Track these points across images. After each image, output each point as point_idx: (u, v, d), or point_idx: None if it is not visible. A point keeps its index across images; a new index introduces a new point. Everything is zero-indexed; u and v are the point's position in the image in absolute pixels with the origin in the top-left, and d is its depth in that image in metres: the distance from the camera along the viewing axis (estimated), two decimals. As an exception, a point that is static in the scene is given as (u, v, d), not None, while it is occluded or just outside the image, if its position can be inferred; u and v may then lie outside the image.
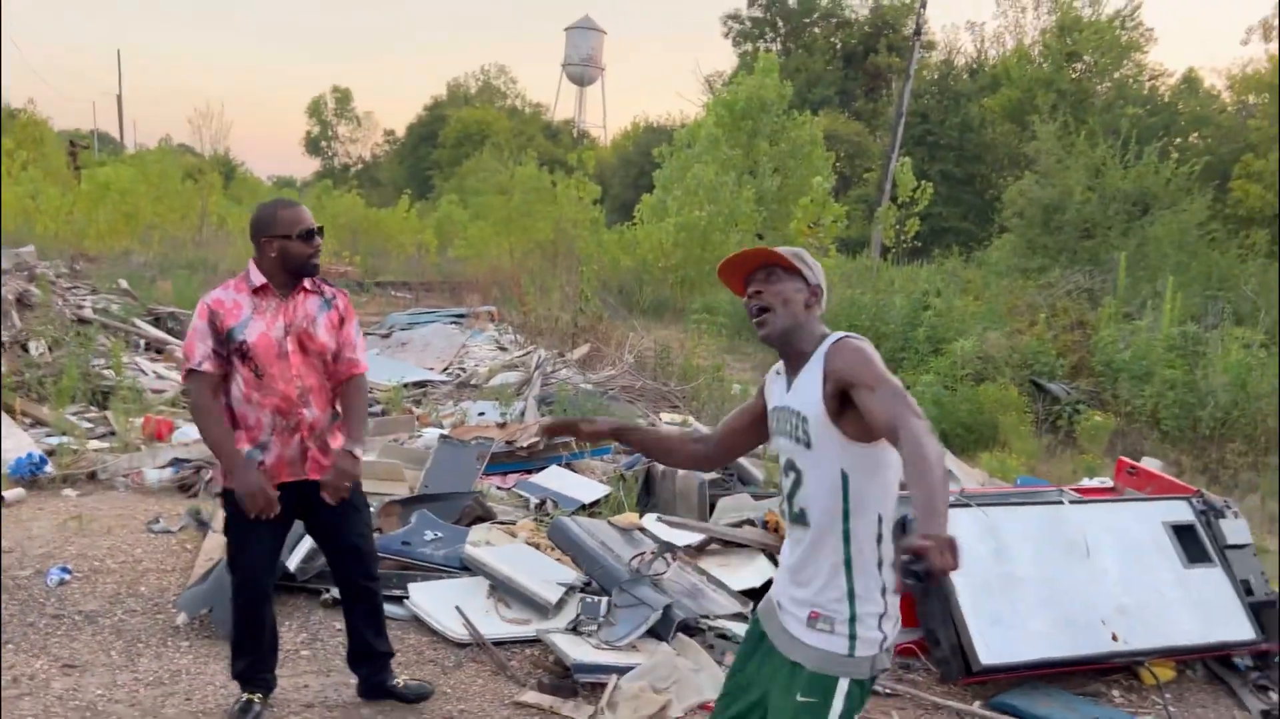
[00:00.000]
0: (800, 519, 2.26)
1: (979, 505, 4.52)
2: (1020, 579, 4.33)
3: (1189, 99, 36.32)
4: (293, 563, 4.59)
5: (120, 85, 71.74)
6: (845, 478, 2.16)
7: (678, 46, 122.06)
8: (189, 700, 3.71)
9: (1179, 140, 21.93)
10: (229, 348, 3.21)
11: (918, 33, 27.27)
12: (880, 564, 2.18)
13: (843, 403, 2.13)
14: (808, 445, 2.19)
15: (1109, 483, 7.79)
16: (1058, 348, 11.20)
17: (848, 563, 2.17)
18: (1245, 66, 37.15)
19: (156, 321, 11.31)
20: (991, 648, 4.10)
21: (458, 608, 4.40)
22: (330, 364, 3.39)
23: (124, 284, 13.00)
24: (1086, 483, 7.51)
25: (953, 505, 4.52)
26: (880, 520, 2.19)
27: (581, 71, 66.02)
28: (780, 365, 2.39)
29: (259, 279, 3.27)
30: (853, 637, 2.15)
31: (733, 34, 47.81)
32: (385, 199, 46.95)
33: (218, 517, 5.67)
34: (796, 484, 2.26)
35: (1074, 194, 17.09)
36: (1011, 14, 40.81)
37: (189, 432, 7.49)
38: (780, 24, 47.33)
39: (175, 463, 6.66)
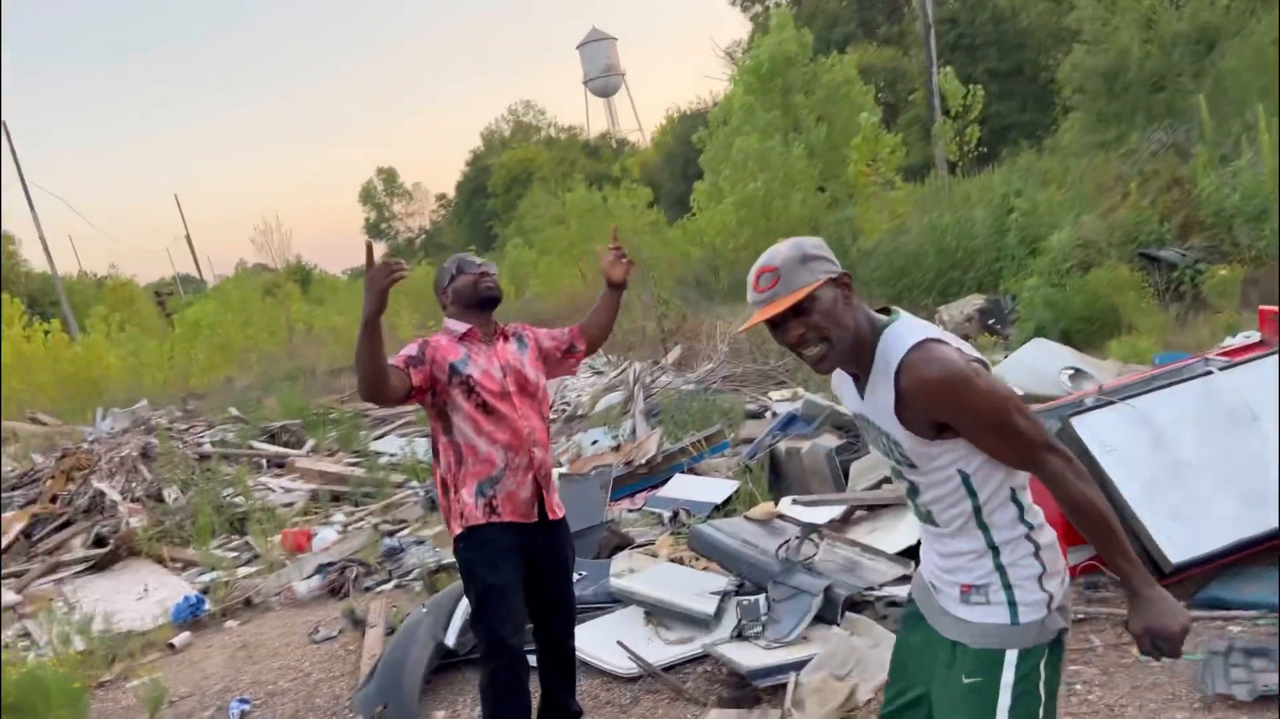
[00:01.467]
0: (929, 519, 2.05)
1: (1122, 399, 4.22)
2: (1189, 464, 4.03)
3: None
4: (451, 638, 4.59)
5: (185, 226, 74.89)
6: (965, 478, 1.92)
7: (689, 31, 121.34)
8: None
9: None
10: (453, 380, 3.22)
11: (923, -59, 26.33)
12: (1023, 519, 1.94)
13: (942, 425, 1.87)
14: (912, 466, 1.95)
15: (1255, 336, 7.30)
16: (1159, 212, 10.58)
17: (992, 547, 1.95)
18: None
19: (271, 438, 11.65)
20: (1179, 545, 3.81)
21: (619, 642, 4.32)
22: (545, 409, 3.46)
23: (234, 411, 13.46)
24: (1230, 342, 7.04)
25: (1094, 408, 4.25)
26: (1014, 495, 1.94)
27: (604, 83, 66.16)
28: None
29: (461, 326, 3.35)
30: (1012, 603, 1.93)
31: (739, 1, 47.16)
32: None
33: (373, 610, 5.75)
34: (913, 491, 2.04)
35: (1131, 52, 16.19)
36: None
37: (326, 535, 7.66)
38: (783, -25, 46.43)
39: (320, 569, 6.79)
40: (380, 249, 69.23)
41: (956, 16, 33.37)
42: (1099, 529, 1.84)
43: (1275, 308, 5.45)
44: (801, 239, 1.95)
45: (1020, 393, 7.06)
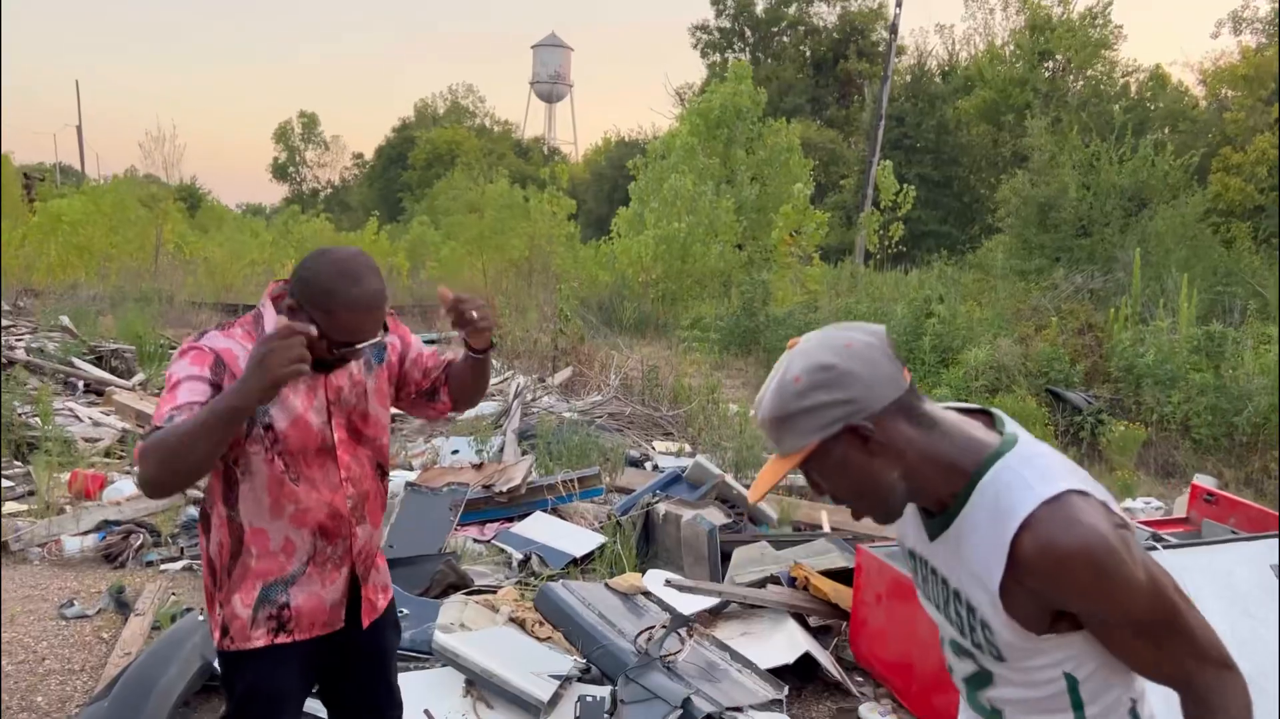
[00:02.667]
0: (992, 717, 1.51)
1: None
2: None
3: (1160, 95, 36.15)
4: (223, 661, 3.74)
5: (80, 116, 70.00)
6: (1074, 685, 1.38)
7: (646, 61, 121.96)
8: None
9: (1160, 138, 21.47)
10: (248, 432, 2.07)
11: (894, 30, 26.77)
12: None
13: (1060, 614, 1.33)
14: (998, 658, 1.40)
15: (1154, 503, 7.05)
16: (1069, 353, 10.49)
17: None
18: (1217, 60, 37.05)
19: (98, 360, 10.38)
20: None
21: (427, 712, 3.56)
22: (385, 458, 2.33)
23: (65, 320, 12.05)
24: (1134, 507, 6.78)
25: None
26: (1133, 709, 1.43)
27: (550, 89, 65.54)
28: None
29: None
30: None
31: (701, 45, 47.32)
32: (355, 223, 46.10)
33: (145, 593, 4.83)
34: (981, 681, 1.48)
35: (1069, 191, 16.49)
36: (980, 15, 40.72)
37: (123, 487, 6.61)
38: (748, 33, 46.87)
39: (102, 528, 5.78)
40: (282, 191, 66.56)
41: (903, 117, 34.08)
42: None
43: (1205, 485, 5.12)
44: (789, 382, 1.34)
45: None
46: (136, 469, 2.07)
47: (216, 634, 2.20)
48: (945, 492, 1.36)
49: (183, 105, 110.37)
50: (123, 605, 4.70)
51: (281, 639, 2.18)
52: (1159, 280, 12.76)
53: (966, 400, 8.07)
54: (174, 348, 11.71)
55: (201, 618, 3.95)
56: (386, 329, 2.13)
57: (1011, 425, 1.40)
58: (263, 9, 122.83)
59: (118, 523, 5.84)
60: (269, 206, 63.52)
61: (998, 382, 9.56)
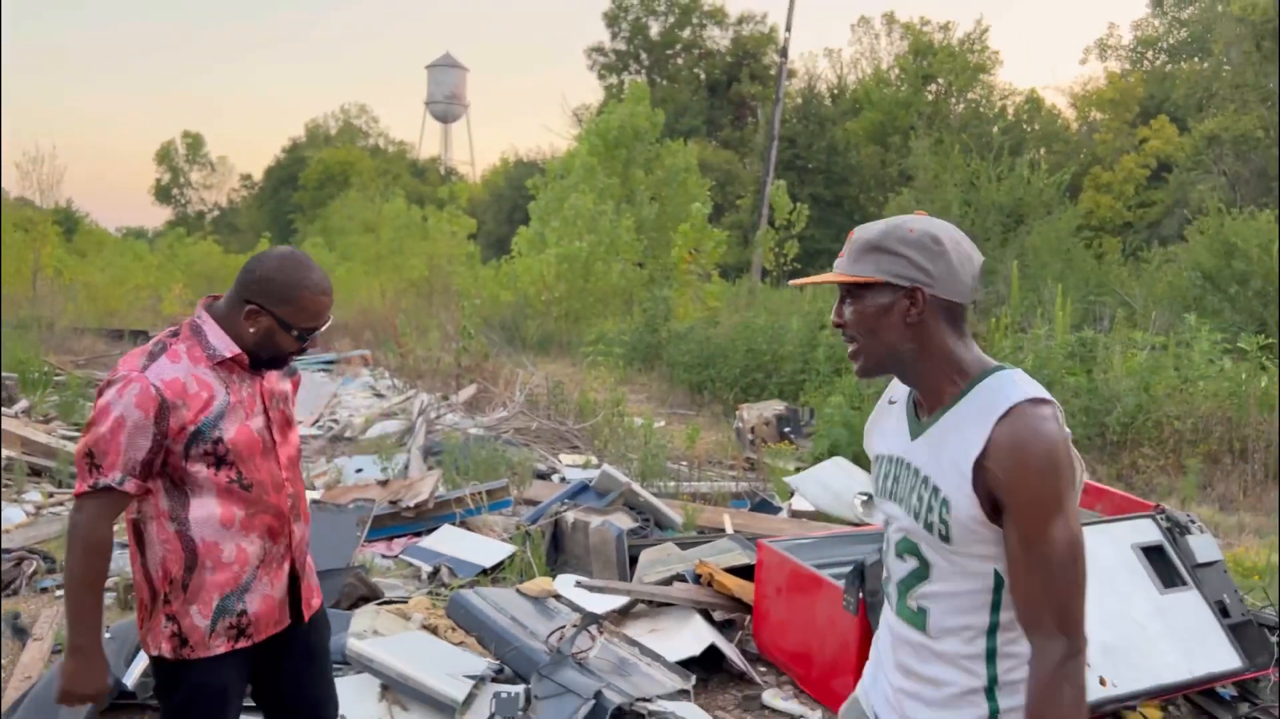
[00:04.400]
0: (915, 620, 1.64)
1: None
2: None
3: (1035, 117, 38.09)
4: (130, 677, 3.71)
5: (-53, 137, 66.51)
6: (999, 584, 1.53)
7: (542, 81, 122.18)
8: None
9: (1035, 158, 22.73)
10: (193, 450, 2.13)
11: (784, 54, 27.56)
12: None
13: (997, 508, 1.50)
14: (944, 538, 1.54)
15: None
16: (955, 361, 11.02)
17: (991, 686, 1.56)
18: (1086, 84, 39.25)
19: (-24, 388, 9.95)
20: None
21: (343, 717, 3.59)
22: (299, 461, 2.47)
23: (-61, 348, 11.50)
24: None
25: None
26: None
27: (445, 109, 65.27)
28: (898, 391, 1.74)
29: (228, 348, 2.20)
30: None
31: (597, 67, 47.83)
32: (244, 245, 44.93)
33: (42, 619, 4.71)
34: (918, 576, 1.63)
35: (952, 208, 17.30)
36: (866, 40, 42.16)
37: (11, 515, 6.43)
38: (644, 55, 47.56)
39: (-9, 555, 5.60)
40: (165, 214, 64.40)
41: (795, 138, 35.02)
42: None
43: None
44: (906, 226, 1.56)
45: (810, 508, 6.93)
46: (79, 510, 2.11)
47: (169, 645, 2.20)
48: (946, 388, 1.56)
49: (58, 128, 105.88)
50: (19, 632, 4.58)
51: (241, 644, 2.26)
52: (1036, 291, 13.48)
53: (860, 408, 8.36)
54: (59, 375, 11.29)
55: (108, 635, 3.90)
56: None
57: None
58: (150, 31, 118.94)
59: (9, 551, 5.66)
60: (151, 230, 61.43)
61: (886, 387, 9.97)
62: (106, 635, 3.93)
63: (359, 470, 7.47)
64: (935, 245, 1.52)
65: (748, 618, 4.59)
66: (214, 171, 66.76)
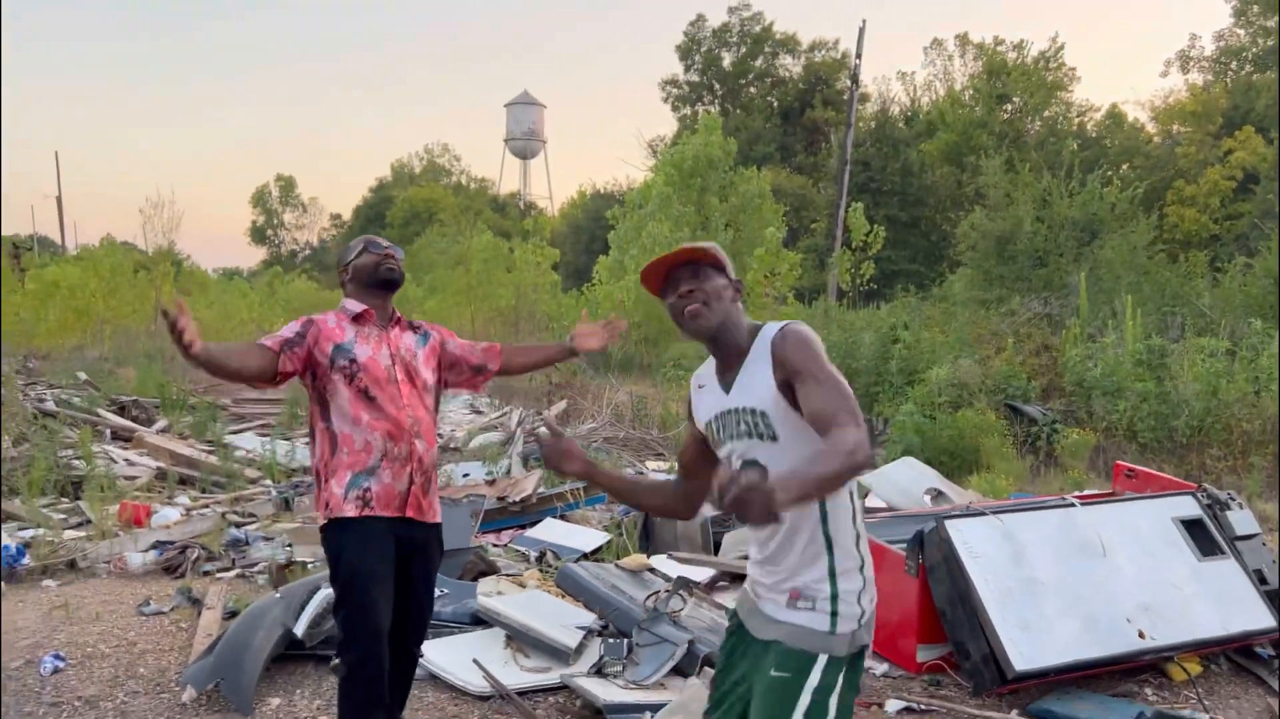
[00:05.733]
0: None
1: (993, 513, 4.51)
2: (1042, 583, 4.30)
3: (1116, 132, 37.66)
4: (300, 627, 4.43)
5: (59, 186, 70.90)
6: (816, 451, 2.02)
7: (617, 115, 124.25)
8: (207, 776, 3.53)
9: (1108, 173, 22.68)
10: (335, 364, 3.09)
11: (855, 80, 28.01)
12: (858, 540, 2.14)
13: (793, 393, 2.06)
14: (773, 438, 2.10)
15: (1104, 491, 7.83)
16: (1027, 370, 11.35)
17: (828, 543, 2.10)
18: (1167, 98, 38.72)
19: (121, 410, 11.06)
20: (1023, 654, 4.05)
21: (475, 661, 4.26)
22: (431, 404, 3.31)
23: (83, 376, 12.71)
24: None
25: (967, 516, 4.52)
26: (852, 495, 2.14)
27: (524, 145, 66.86)
28: (704, 375, 2.32)
29: (357, 306, 3.22)
30: (834, 614, 2.09)
31: (671, 99, 48.75)
32: (334, 282, 46.56)
33: (210, 593, 5.48)
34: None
35: (1024, 224, 17.54)
36: (939, 62, 42.16)
37: (168, 514, 7.30)
38: (717, 86, 48.35)
39: (159, 545, 6.45)
40: (259, 255, 67.14)
41: (869, 161, 35.30)
42: (823, 475, 1.80)
43: (1126, 464, 5.91)
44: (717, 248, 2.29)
45: (883, 505, 7.42)
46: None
47: (322, 510, 3.13)
48: (744, 344, 2.18)
49: (154, 174, 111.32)
50: (194, 601, 5.36)
51: (366, 513, 3.08)
52: (1109, 304, 13.70)
53: (932, 416, 8.80)
54: (188, 399, 12.38)
55: (277, 595, 4.64)
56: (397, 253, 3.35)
57: None
58: (237, 75, 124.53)
59: (172, 542, 6.50)
60: (247, 269, 64.23)
61: (959, 398, 10.38)
62: (276, 595, 4.68)
63: (466, 475, 8.21)
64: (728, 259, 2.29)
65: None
66: (305, 212, 69.56)
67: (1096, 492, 6.15)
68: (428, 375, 3.29)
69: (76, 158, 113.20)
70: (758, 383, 2.12)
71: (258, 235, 68.99)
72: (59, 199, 48.61)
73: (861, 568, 2.13)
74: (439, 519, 3.33)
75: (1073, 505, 4.69)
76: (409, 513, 3.15)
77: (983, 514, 4.49)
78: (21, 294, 24.23)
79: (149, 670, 4.50)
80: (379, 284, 3.23)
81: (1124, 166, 33.40)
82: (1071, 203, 17.58)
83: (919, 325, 13.01)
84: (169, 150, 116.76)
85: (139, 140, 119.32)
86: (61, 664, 4.52)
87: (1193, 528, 4.79)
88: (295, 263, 63.40)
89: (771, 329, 2.15)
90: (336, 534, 3.09)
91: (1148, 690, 4.32)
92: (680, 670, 4.17)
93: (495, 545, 6.50)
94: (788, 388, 2.06)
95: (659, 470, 8.53)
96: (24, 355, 17.11)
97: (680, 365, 14.96)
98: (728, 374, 2.21)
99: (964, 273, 20.82)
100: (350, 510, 3.07)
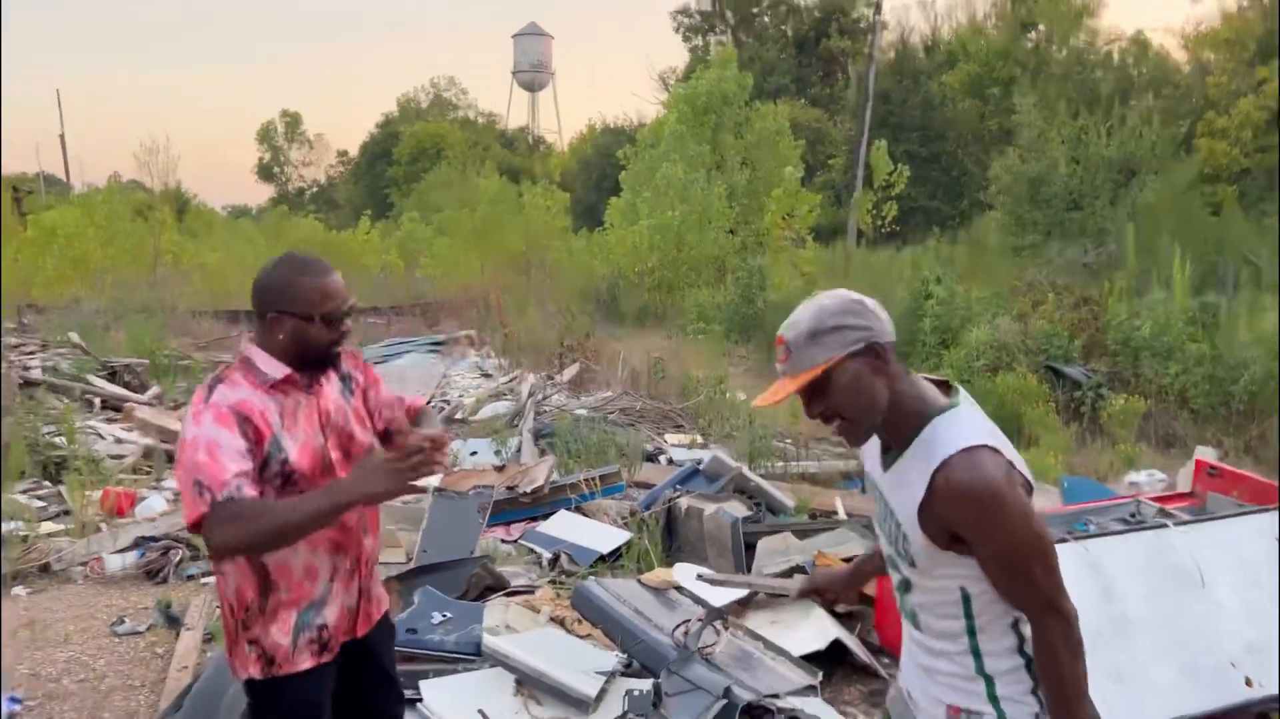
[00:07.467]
0: (913, 621, 1.90)
1: (1076, 539, 3.92)
2: (1133, 622, 3.73)
3: (1143, 60, 36.25)
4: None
5: (62, 125, 69.64)
6: (966, 598, 1.75)
7: (626, 45, 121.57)
8: None
9: (1146, 108, 21.59)
10: (263, 473, 2.16)
11: (878, 9, 26.83)
12: (1028, 665, 1.77)
13: (957, 538, 1.70)
14: (911, 564, 1.79)
15: (1159, 475, 7.23)
16: (1066, 328, 10.68)
17: (984, 676, 1.78)
18: (1198, 25, 37.18)
19: (112, 376, 10.51)
20: (1114, 710, 3.49)
21: (481, 712, 3.73)
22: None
23: (75, 337, 12.15)
24: (1137, 479, 6.97)
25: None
26: (1015, 624, 1.76)
27: (532, 77, 65.35)
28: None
29: (278, 369, 2.22)
30: None
31: (682, 28, 47.27)
32: (344, 221, 46.00)
33: (191, 608, 4.99)
34: (904, 587, 1.88)
35: (1059, 166, 16.67)
36: (962, -12, 40.57)
37: (154, 503, 6.79)
38: (730, 15, 46.79)
39: (140, 544, 5.94)
40: (267, 192, 66.34)
41: (889, 94, 34.11)
42: (1064, 708, 1.69)
43: (1208, 460, 5.31)
44: (826, 304, 1.74)
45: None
46: (210, 534, 2.04)
47: (257, 666, 2.25)
48: (906, 430, 1.73)
49: (161, 109, 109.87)
50: (172, 620, 4.86)
51: (325, 658, 2.32)
52: (1152, 252, 12.94)
53: (970, 380, 8.22)
54: (184, 359, 11.82)
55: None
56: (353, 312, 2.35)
57: (963, 395, 1.78)
58: (237, 12, 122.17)
59: (154, 539, 6.00)
60: (255, 207, 63.49)
61: (999, 360, 9.75)
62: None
63: (473, 453, 7.67)
64: (856, 305, 1.72)
65: (869, 609, 4.58)
66: (312, 149, 68.47)
67: (1165, 489, 5.55)
68: (363, 436, 2.42)
69: (84, 89, 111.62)
70: (907, 496, 1.73)
71: (264, 172, 68.01)
72: (62, 137, 47.88)
73: (1035, 689, 1.79)
74: (384, 610, 2.56)
75: (1166, 526, 4.09)
76: (359, 631, 2.43)
77: (1065, 540, 3.90)
78: (20, 241, 23.65)
79: (114, 717, 3.99)
80: (317, 365, 2.30)
81: (1152, 96, 32.17)
82: (1109, 142, 16.67)
83: (950, 278, 12.30)
84: (172, 82, 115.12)
85: (142, 72, 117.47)
86: (17, 708, 4.02)
87: (1299, 547, 4.20)
88: (303, 201, 62.66)
89: (941, 443, 1.68)
90: (275, 696, 2.28)
91: (1254, 744, 3.77)
92: (716, 722, 3.65)
93: (505, 542, 5.98)
94: (947, 536, 1.70)
95: (679, 445, 7.97)
96: (20, 308, 16.59)
97: (705, 319, 14.33)
98: (889, 451, 1.82)
99: (990, 216, 19.96)
100: (305, 662, 2.28)
